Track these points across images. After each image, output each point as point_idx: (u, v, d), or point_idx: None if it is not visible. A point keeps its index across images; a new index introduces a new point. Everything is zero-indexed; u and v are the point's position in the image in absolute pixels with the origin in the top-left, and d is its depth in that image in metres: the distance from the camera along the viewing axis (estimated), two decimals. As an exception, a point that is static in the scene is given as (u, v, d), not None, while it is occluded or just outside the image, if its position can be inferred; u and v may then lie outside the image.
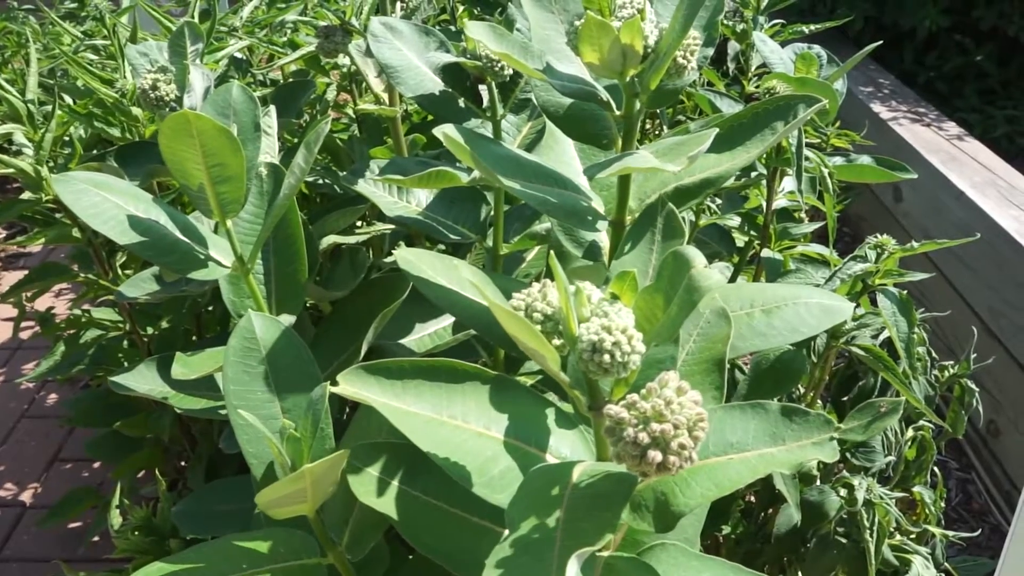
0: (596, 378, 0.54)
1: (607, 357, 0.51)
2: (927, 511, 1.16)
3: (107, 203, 0.78)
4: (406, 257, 0.80)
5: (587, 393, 0.57)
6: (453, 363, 0.66)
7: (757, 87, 1.46)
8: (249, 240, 0.86)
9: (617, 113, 0.77)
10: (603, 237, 0.85)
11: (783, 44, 1.15)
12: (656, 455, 0.49)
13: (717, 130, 0.71)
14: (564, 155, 0.89)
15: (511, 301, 0.57)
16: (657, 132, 1.58)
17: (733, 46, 1.57)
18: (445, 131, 0.70)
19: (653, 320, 0.54)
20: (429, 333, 1.01)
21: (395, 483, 0.72)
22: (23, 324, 1.58)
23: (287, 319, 0.89)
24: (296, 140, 1.45)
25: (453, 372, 0.66)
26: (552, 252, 0.59)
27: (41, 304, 2.32)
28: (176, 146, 0.73)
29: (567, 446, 0.65)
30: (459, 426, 0.63)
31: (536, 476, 0.59)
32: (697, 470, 0.58)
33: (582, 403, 0.57)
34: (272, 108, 1.07)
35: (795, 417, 0.59)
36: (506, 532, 0.55)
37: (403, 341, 1.00)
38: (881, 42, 1.29)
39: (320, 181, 1.34)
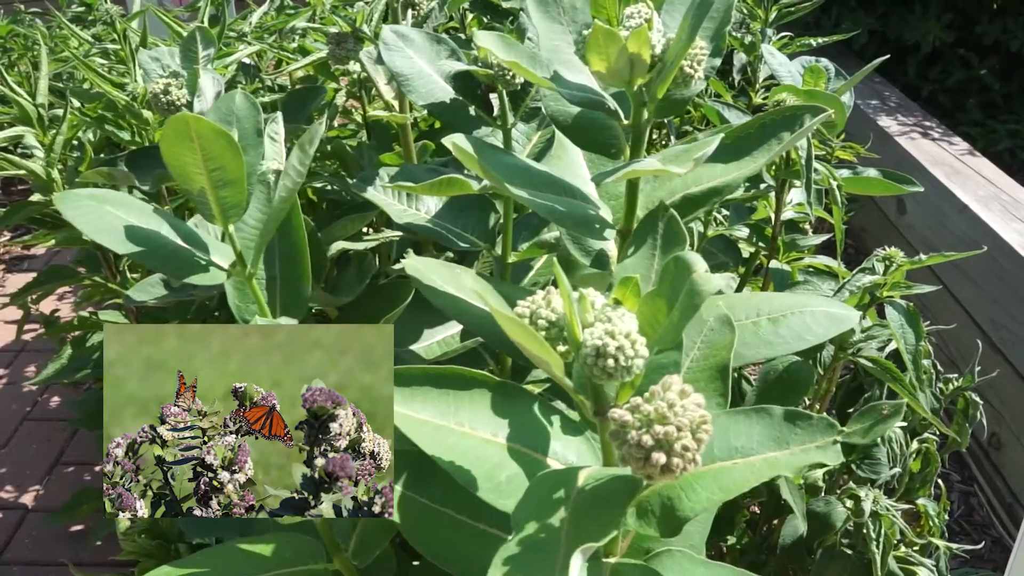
0: (600, 382, 0.55)
1: (611, 361, 0.51)
2: (931, 523, 1.16)
3: (108, 216, 0.79)
4: (415, 265, 0.80)
5: (592, 398, 0.57)
6: (461, 370, 0.66)
7: (764, 99, 1.46)
8: (255, 246, 0.86)
9: (625, 122, 0.77)
10: (611, 246, 0.85)
11: (790, 57, 1.16)
12: (660, 457, 0.49)
13: (722, 136, 0.72)
14: (573, 164, 0.89)
15: (515, 308, 0.57)
16: (664, 143, 1.59)
17: (740, 58, 1.58)
18: (454, 141, 0.70)
19: (656, 325, 0.54)
20: (437, 340, 1.01)
21: (402, 489, 0.72)
22: (26, 326, 1.58)
23: (287, 322, 0.89)
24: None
25: (461, 379, 0.66)
26: (556, 259, 0.60)
27: (44, 307, 2.33)
28: (177, 149, 0.73)
29: (573, 452, 0.65)
30: (466, 432, 0.63)
31: (542, 480, 0.59)
32: (702, 475, 0.58)
33: (587, 408, 0.57)
34: (279, 115, 1.07)
35: (799, 421, 0.59)
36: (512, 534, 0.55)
37: (412, 347, 1.00)
38: (888, 56, 1.30)
39: (329, 187, 1.34)
